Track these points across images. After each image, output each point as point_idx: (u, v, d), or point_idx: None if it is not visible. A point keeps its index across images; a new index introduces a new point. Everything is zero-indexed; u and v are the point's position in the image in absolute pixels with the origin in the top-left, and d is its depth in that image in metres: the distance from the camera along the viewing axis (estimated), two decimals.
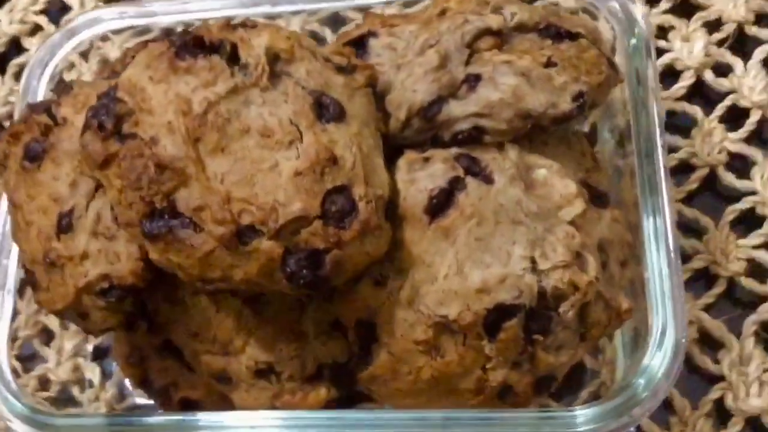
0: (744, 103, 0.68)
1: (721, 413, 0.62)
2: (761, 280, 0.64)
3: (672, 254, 0.53)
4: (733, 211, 0.65)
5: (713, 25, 0.71)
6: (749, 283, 0.64)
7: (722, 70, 0.69)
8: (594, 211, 0.53)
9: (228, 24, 0.51)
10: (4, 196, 0.59)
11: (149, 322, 0.58)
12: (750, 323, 0.63)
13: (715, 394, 0.62)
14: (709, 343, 0.64)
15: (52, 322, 0.70)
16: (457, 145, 0.52)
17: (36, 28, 0.83)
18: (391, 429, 0.52)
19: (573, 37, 0.54)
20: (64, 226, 0.52)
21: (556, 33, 0.54)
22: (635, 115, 0.55)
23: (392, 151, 0.52)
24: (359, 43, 0.55)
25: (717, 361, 0.63)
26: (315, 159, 0.47)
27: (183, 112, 0.47)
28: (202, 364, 0.57)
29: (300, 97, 0.48)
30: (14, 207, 0.55)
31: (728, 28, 0.70)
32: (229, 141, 0.47)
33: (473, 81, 0.52)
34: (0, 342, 0.59)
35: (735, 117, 0.68)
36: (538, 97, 0.51)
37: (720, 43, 0.70)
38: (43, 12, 0.83)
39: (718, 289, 0.64)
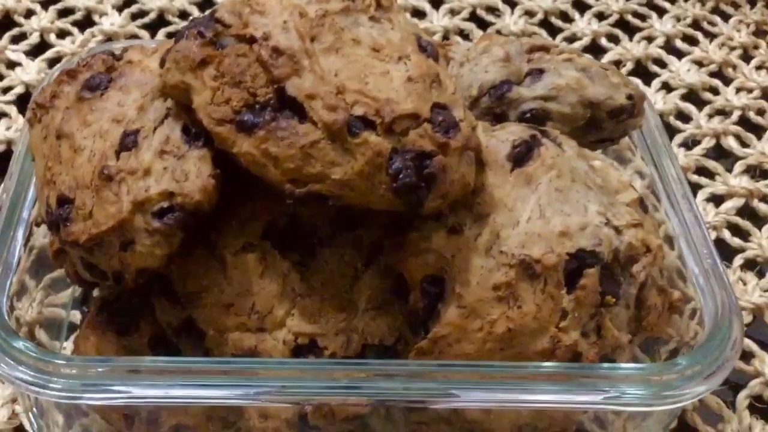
0: None
1: None
2: None
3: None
4: None
5: None
6: None
7: None
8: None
9: None
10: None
11: (171, 298, 0.52)
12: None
13: None
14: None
15: None
16: None
17: None
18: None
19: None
20: (128, 143, 0.49)
21: None
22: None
23: None
24: None
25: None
26: (425, 71, 0.48)
27: (300, 13, 0.48)
28: (229, 344, 0.51)
29: (404, 29, 0.50)
30: (59, 139, 0.50)
31: None
32: (343, 45, 0.48)
33: (537, 73, 0.56)
34: None
35: None
36: (597, 89, 0.56)
37: None
38: None
39: None
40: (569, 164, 0.52)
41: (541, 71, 0.56)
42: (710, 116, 0.86)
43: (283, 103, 0.46)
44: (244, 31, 0.48)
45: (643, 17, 0.98)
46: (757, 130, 0.85)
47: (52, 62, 0.87)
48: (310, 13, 0.48)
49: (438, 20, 0.96)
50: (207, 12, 0.51)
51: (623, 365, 0.49)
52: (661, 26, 0.96)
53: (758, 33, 0.97)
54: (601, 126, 0.56)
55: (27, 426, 0.59)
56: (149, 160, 0.48)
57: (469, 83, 0.55)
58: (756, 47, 0.95)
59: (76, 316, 0.64)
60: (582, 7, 0.99)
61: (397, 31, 0.50)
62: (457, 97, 0.49)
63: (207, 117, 0.47)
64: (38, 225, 0.57)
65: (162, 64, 0.50)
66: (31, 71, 0.85)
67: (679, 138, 0.84)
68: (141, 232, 0.47)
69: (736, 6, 1.00)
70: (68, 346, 0.62)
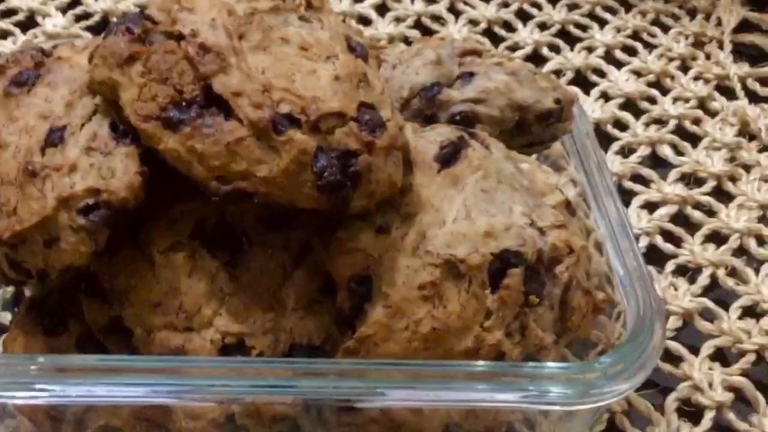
0: None
1: None
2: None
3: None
4: None
5: None
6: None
7: None
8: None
9: None
10: None
11: (99, 296, 0.52)
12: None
13: None
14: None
15: None
16: None
17: None
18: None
19: None
20: (54, 139, 0.48)
21: None
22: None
23: None
24: None
25: None
26: (353, 70, 0.48)
27: (228, 11, 0.48)
28: (156, 343, 0.51)
29: (334, 29, 0.50)
30: None
31: None
32: (271, 44, 0.48)
33: (468, 77, 0.57)
34: None
35: None
36: (525, 92, 0.56)
37: None
38: None
39: None
40: (496, 166, 0.52)
41: (471, 74, 0.57)
42: (647, 125, 0.87)
43: (209, 101, 0.46)
44: (173, 27, 0.48)
45: (584, 27, 1.00)
46: (693, 139, 0.86)
47: None
48: (239, 11, 0.48)
49: (383, 27, 0.97)
50: (137, 9, 0.50)
51: (546, 364, 0.50)
52: (602, 37, 0.98)
53: (696, 44, 0.99)
54: (530, 129, 0.57)
55: None
56: (75, 157, 0.48)
57: (400, 85, 0.56)
58: (694, 58, 0.97)
59: (6, 317, 0.63)
60: (525, 17, 1.00)
61: (326, 31, 0.50)
62: (384, 97, 0.49)
63: (134, 113, 0.47)
64: None
65: (90, 59, 0.50)
66: None
67: (615, 146, 0.85)
68: (65, 229, 0.47)
69: (676, 18, 1.02)
70: None
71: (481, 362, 0.49)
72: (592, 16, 1.02)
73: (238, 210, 0.52)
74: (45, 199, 0.47)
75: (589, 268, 0.54)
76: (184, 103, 0.46)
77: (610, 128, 0.87)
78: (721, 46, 0.98)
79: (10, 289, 0.63)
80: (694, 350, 0.68)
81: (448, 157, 0.52)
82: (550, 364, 0.50)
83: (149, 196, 0.48)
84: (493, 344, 0.50)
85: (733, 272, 0.74)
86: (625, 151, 0.84)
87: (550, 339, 0.52)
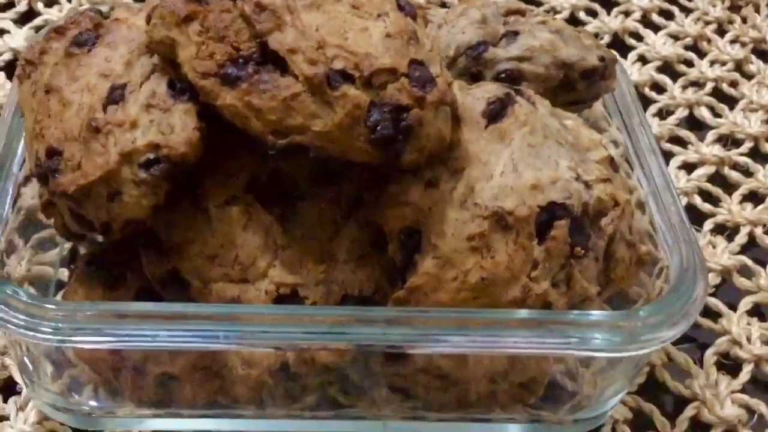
0: None
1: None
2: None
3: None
4: None
5: None
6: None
7: None
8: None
9: None
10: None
11: (157, 249, 0.54)
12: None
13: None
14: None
15: None
16: None
17: None
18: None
19: None
20: (115, 97, 0.50)
21: None
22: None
23: None
24: None
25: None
26: (403, 28, 0.49)
27: None
28: (213, 294, 0.53)
29: None
30: (47, 93, 0.52)
31: None
32: (324, 2, 0.49)
33: (513, 35, 0.58)
34: None
35: None
36: (570, 50, 0.57)
37: None
38: None
39: None
40: (542, 121, 0.54)
41: (516, 33, 0.58)
42: (684, 87, 0.88)
43: (265, 57, 0.48)
44: None
45: None
46: (730, 101, 0.87)
47: (40, 30, 0.87)
48: None
49: None
50: None
51: (591, 312, 0.51)
52: (638, 1, 0.98)
53: (733, 8, 0.98)
54: (574, 87, 0.58)
55: (17, 378, 0.61)
56: (136, 113, 0.50)
57: (447, 44, 0.57)
58: (731, 22, 0.97)
59: (64, 273, 0.66)
60: None
61: None
62: (434, 54, 0.50)
63: (192, 71, 0.48)
64: (25, 185, 0.59)
65: (148, 20, 0.51)
66: (18, 38, 0.86)
67: (653, 108, 0.85)
68: (128, 182, 0.49)
69: None
70: None
71: (526, 311, 0.50)
72: None
73: (290, 165, 0.53)
74: (108, 153, 0.49)
75: (632, 223, 0.55)
76: (241, 60, 0.48)
77: (647, 91, 0.87)
78: (757, 10, 0.98)
79: (68, 245, 0.65)
80: (732, 306, 0.69)
81: (495, 113, 0.53)
82: (595, 312, 0.51)
83: (206, 151, 0.50)
84: (539, 294, 0.51)
85: None
86: (663, 114, 0.85)
87: (594, 290, 0.53)
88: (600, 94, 0.61)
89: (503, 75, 0.57)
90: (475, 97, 0.53)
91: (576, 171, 0.53)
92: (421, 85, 0.49)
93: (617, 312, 0.53)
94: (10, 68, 0.84)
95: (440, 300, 0.51)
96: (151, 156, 0.49)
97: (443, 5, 0.92)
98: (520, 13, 0.60)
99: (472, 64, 0.57)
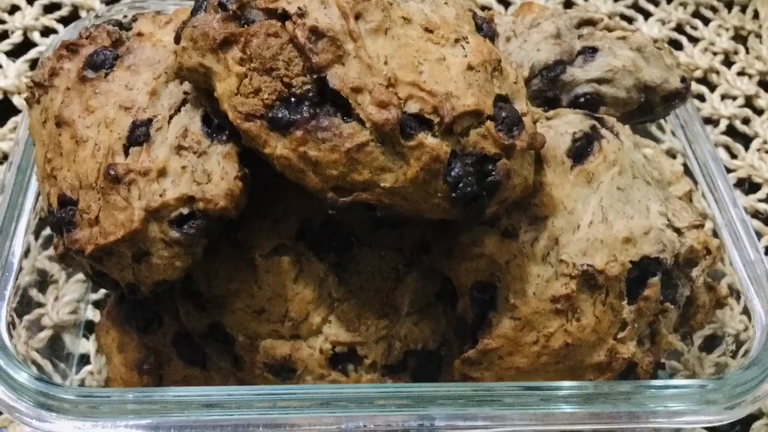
0: None
1: None
2: None
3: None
4: None
5: None
6: None
7: None
8: None
9: None
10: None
11: (196, 301, 0.36)
12: None
13: None
14: None
15: None
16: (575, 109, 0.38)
17: None
18: None
19: None
20: (138, 136, 0.32)
21: None
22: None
23: None
24: None
25: None
26: (487, 57, 0.31)
27: None
28: (260, 351, 0.36)
29: (460, 5, 0.33)
30: (59, 127, 0.33)
31: None
32: (393, 25, 0.30)
33: (590, 52, 0.39)
34: None
35: None
36: (653, 71, 0.39)
37: None
38: None
39: None
40: (629, 158, 0.36)
41: (594, 50, 0.39)
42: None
43: (323, 97, 0.30)
44: (275, 4, 0.31)
45: (629, 19, 0.78)
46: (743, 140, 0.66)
47: (34, 64, 0.62)
48: None
49: None
50: None
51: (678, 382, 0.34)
52: (648, 29, 0.75)
53: (737, 38, 0.76)
54: (652, 110, 0.40)
55: None
56: (164, 158, 0.32)
57: (519, 62, 0.38)
58: (736, 52, 0.74)
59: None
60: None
61: (451, 7, 0.33)
62: (519, 87, 0.33)
63: (233, 110, 0.30)
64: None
65: (177, 39, 0.32)
66: (11, 74, 0.59)
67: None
68: (157, 242, 0.31)
69: (715, 10, 0.79)
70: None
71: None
72: (636, 7, 0.79)
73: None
74: (131, 208, 0.31)
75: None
76: (293, 100, 0.30)
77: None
78: (760, 40, 0.76)
79: None
80: None
81: (582, 150, 0.35)
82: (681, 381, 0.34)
83: (250, 194, 0.32)
84: (626, 357, 0.34)
85: None
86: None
87: (677, 341, 0.37)
88: (668, 113, 0.42)
89: (582, 100, 0.38)
90: (557, 132, 0.35)
91: (667, 216, 0.36)
92: (507, 129, 0.31)
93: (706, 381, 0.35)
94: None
95: (517, 364, 0.35)
96: (185, 211, 0.32)
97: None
98: (592, 23, 0.40)
99: (549, 87, 0.38)
